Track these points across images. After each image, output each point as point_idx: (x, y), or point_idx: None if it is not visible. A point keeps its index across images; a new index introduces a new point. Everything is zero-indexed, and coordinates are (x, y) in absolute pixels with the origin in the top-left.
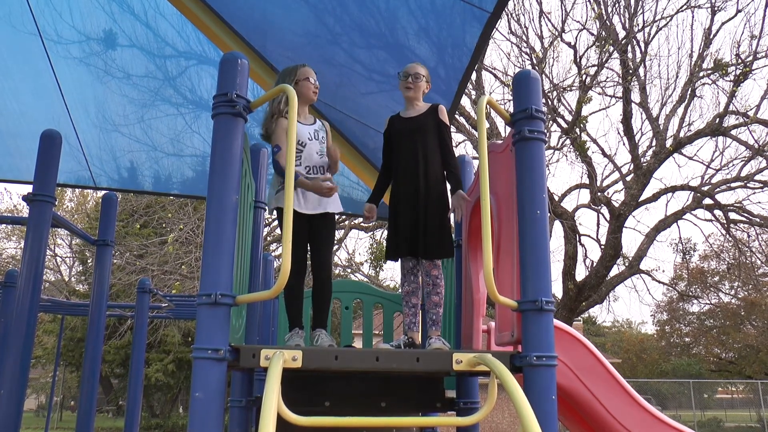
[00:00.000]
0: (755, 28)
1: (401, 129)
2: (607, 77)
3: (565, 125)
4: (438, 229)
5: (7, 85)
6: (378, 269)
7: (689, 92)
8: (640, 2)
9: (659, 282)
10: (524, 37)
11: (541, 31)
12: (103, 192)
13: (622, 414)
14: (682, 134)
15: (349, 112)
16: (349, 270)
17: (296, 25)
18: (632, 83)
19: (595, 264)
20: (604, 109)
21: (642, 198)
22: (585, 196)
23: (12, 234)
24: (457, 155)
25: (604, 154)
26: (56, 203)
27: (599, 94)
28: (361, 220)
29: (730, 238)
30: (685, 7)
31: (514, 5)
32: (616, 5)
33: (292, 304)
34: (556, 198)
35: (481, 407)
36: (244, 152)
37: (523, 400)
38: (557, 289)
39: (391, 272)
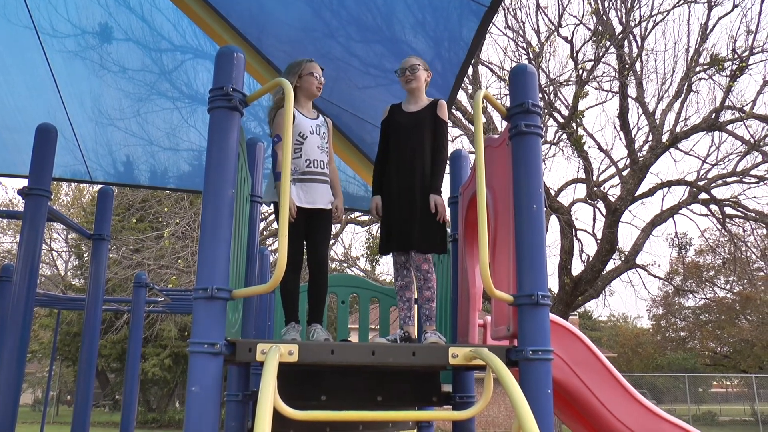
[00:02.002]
0: (752, 23)
1: (401, 122)
2: (604, 72)
3: (561, 120)
4: (429, 225)
5: (2, 78)
6: (374, 264)
7: (685, 87)
8: None
9: (655, 276)
10: (521, 32)
11: (538, 26)
12: (99, 186)
13: (617, 408)
14: (678, 129)
15: (345, 107)
16: (345, 264)
17: (293, 19)
18: (629, 78)
19: (591, 258)
20: (600, 103)
21: (638, 193)
22: (581, 190)
23: (7, 228)
24: (452, 150)
25: (600, 148)
26: (52, 197)
27: (596, 88)
28: (357, 214)
29: (725, 233)
30: (681, 2)
31: (511, 0)
32: (613, 0)
33: (289, 299)
34: (553, 192)
35: (477, 401)
36: (241, 146)
37: (519, 394)
38: (553, 283)
39: (387, 267)
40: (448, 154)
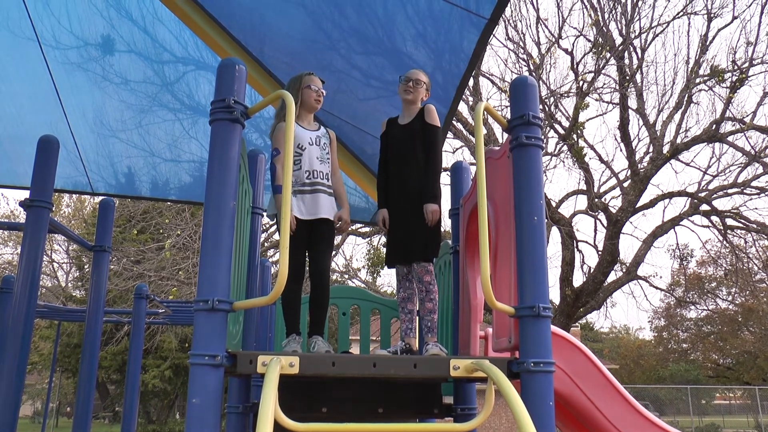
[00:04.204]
0: (751, 35)
1: (395, 135)
2: (604, 83)
3: (562, 131)
4: (423, 234)
5: (4, 89)
6: (375, 275)
7: (686, 98)
8: (637, 9)
9: (657, 288)
10: (521, 44)
11: (538, 38)
12: (101, 198)
13: (619, 420)
14: (678, 140)
15: (347, 119)
16: (346, 276)
17: (294, 31)
18: (629, 89)
19: (592, 270)
20: (601, 115)
21: (639, 204)
22: (582, 202)
23: (9, 239)
24: (453, 161)
25: (601, 160)
26: (53, 209)
27: (596, 100)
28: (358, 226)
29: (727, 244)
30: (681, 13)
31: (512, 12)
32: (613, 12)
33: (290, 310)
34: (554, 204)
35: (479, 413)
36: (242, 158)
37: (520, 407)
38: (555, 295)
39: (389, 278)
40: (441, 158)
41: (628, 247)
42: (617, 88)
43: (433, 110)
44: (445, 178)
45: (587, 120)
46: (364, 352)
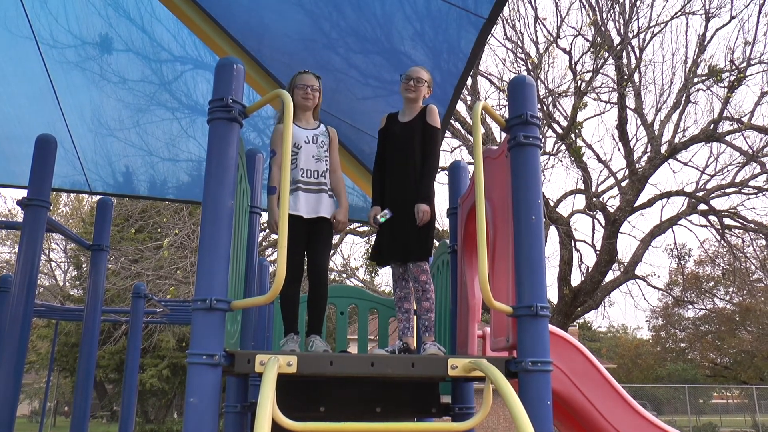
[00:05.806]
0: (749, 35)
1: (395, 132)
2: (602, 83)
3: (560, 131)
4: (418, 233)
5: (2, 89)
6: (373, 274)
7: (684, 98)
8: (635, 8)
9: (654, 287)
10: (519, 43)
11: (537, 37)
12: (99, 197)
13: (617, 419)
14: (676, 140)
15: (344, 118)
16: (344, 275)
17: (292, 30)
18: (627, 89)
19: (590, 269)
20: (599, 114)
21: (637, 203)
22: (580, 201)
23: (6, 238)
24: (452, 161)
25: (599, 159)
26: (51, 208)
27: (594, 99)
28: (356, 225)
29: (724, 244)
30: (679, 13)
31: (510, 11)
32: (611, 11)
33: (288, 310)
34: (552, 203)
35: (477, 412)
36: (240, 157)
37: (518, 406)
38: (552, 294)
39: (386, 277)
40: (438, 159)
41: (626, 247)
42: (615, 87)
43: (435, 111)
44: (443, 178)
45: (585, 119)
46: (361, 351)
